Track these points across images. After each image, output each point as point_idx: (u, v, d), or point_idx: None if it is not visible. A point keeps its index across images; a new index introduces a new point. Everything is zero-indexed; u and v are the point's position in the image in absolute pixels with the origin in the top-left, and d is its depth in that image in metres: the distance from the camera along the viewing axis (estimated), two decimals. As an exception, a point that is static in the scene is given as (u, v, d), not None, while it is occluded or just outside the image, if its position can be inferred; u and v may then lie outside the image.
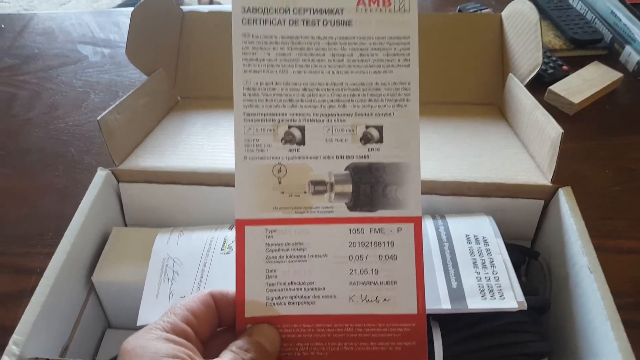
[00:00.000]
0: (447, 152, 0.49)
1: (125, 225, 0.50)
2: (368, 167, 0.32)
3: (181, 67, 0.64)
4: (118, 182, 0.48)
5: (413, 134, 0.32)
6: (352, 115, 0.32)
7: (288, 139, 0.32)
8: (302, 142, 0.32)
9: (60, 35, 0.95)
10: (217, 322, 0.31)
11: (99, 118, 0.47)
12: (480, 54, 0.60)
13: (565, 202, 0.42)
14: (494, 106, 0.58)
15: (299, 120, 0.32)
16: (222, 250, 0.42)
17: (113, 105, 0.49)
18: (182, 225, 0.46)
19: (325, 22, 0.32)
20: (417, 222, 0.32)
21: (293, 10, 0.32)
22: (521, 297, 0.36)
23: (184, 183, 0.47)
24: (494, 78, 0.59)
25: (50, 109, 0.77)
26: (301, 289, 0.32)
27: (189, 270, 0.40)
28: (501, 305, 0.35)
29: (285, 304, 0.32)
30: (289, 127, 0.32)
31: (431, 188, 0.45)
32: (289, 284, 0.32)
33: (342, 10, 0.32)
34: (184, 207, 0.48)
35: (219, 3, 1.71)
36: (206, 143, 0.51)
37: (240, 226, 0.32)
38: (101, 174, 0.47)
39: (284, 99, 0.32)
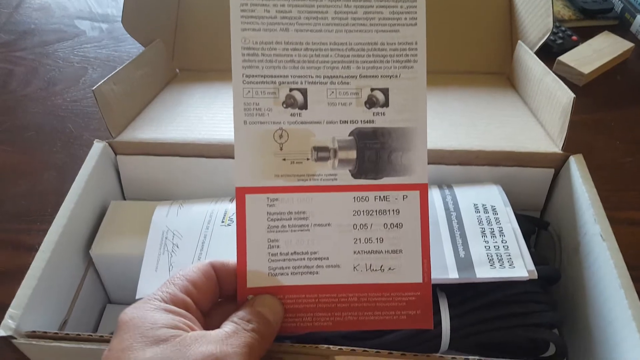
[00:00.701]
0: (454, 120, 0.47)
1: (124, 198, 0.49)
2: (373, 132, 0.30)
3: (179, 38, 0.62)
4: (115, 154, 0.47)
5: (420, 97, 0.31)
6: (356, 78, 0.31)
7: (289, 102, 0.30)
8: (304, 106, 0.31)
9: (57, 10, 0.93)
10: (218, 293, 0.30)
11: (94, 88, 0.45)
12: (488, 22, 0.58)
13: (577, 170, 0.40)
14: (502, 75, 0.57)
15: (301, 83, 0.31)
16: (222, 222, 0.40)
17: (109, 76, 0.47)
18: (181, 198, 0.45)
19: None
20: (423, 190, 0.31)
21: None
22: (531, 266, 0.35)
23: (183, 155, 0.46)
24: (502, 46, 0.57)
25: (48, 85, 0.76)
26: (304, 258, 0.31)
27: (188, 242, 0.39)
28: (511, 274, 0.34)
29: (288, 274, 0.31)
30: (291, 90, 0.31)
31: (438, 157, 0.43)
32: (291, 253, 0.31)
33: None
34: (183, 180, 0.47)
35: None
36: (205, 114, 0.50)
37: (240, 194, 0.30)
38: (98, 146, 0.46)
39: (285, 60, 0.30)
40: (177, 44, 0.62)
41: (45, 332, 0.33)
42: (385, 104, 0.31)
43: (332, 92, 0.31)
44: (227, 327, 0.27)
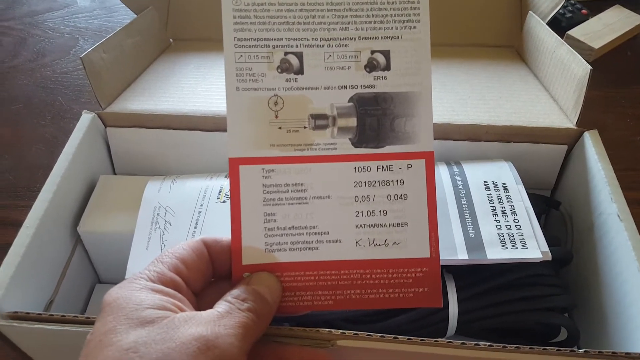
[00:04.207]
0: (462, 94, 0.45)
1: (114, 173, 0.47)
2: (374, 97, 0.28)
3: (173, 6, 0.59)
4: (105, 126, 0.45)
5: (424, 59, 0.29)
6: (355, 40, 0.29)
7: (284, 67, 0.28)
8: (300, 70, 0.28)
9: (47, -21, 0.89)
10: (211, 271, 0.28)
11: (82, 56, 0.43)
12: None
13: (592, 147, 0.38)
14: (511, 48, 0.54)
15: (297, 46, 0.28)
16: (217, 199, 0.38)
17: (98, 43, 0.45)
18: (174, 173, 0.43)
19: None
20: (429, 158, 0.29)
21: None
22: (545, 247, 0.33)
23: (176, 128, 0.44)
24: (512, 19, 0.54)
25: (37, 56, 0.73)
26: (303, 233, 0.29)
27: (182, 219, 0.37)
28: (524, 255, 0.32)
29: (285, 250, 0.29)
30: (286, 53, 0.28)
31: (445, 132, 0.41)
32: (289, 228, 0.29)
33: None
34: (176, 154, 0.45)
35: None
36: (200, 85, 0.47)
37: (234, 166, 0.28)
38: (86, 118, 0.43)
39: (279, 22, 0.28)
40: (170, 12, 0.60)
41: (28, 313, 0.30)
42: (387, 67, 0.29)
43: (330, 55, 0.29)
44: (221, 307, 0.25)
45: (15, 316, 0.31)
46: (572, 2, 0.69)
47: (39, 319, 0.30)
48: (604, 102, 0.60)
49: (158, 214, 0.37)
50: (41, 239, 0.36)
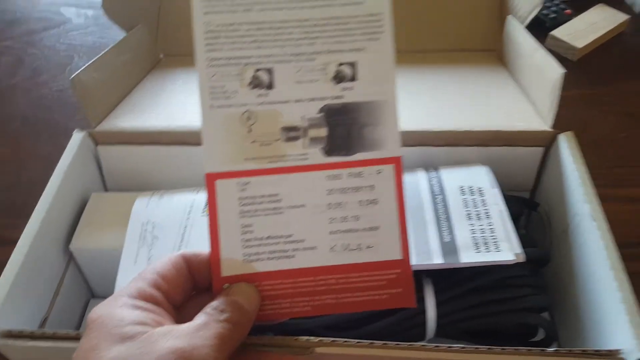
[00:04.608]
0: (441, 100, 0.46)
1: (106, 190, 0.48)
2: (343, 107, 0.29)
3: (163, 22, 0.61)
4: (96, 144, 0.46)
5: (388, 69, 0.30)
6: (322, 53, 0.30)
7: (256, 83, 0.30)
8: (270, 85, 0.30)
9: (43, -2, 0.91)
10: (191, 285, 0.29)
11: (72, 77, 0.44)
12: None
13: (566, 148, 0.39)
14: (492, 52, 0.55)
15: (267, 62, 0.30)
16: (203, 212, 0.40)
17: (88, 63, 0.46)
18: (166, 188, 0.44)
19: None
20: (397, 163, 0.30)
21: None
22: (518, 249, 0.34)
23: (165, 143, 0.45)
24: (492, 22, 0.55)
25: (34, 75, 0.75)
26: (279, 242, 0.30)
27: (168, 234, 0.38)
28: (497, 257, 0.33)
29: (263, 259, 0.30)
30: (256, 70, 0.30)
31: (424, 139, 0.42)
32: (266, 238, 0.30)
33: None
34: (166, 169, 0.46)
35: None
36: (188, 101, 0.49)
37: (210, 181, 0.30)
38: (77, 137, 0.45)
39: (248, 40, 0.30)
40: (160, 28, 0.61)
41: (21, 332, 0.32)
42: (354, 78, 0.30)
43: (299, 69, 0.30)
44: (199, 319, 0.26)
45: (9, 334, 0.32)
46: (557, 2, 0.70)
47: (32, 336, 0.32)
48: (588, 100, 0.61)
49: (146, 230, 0.38)
50: (35, 257, 0.37)
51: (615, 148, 0.56)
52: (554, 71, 0.39)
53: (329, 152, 0.30)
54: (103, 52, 0.48)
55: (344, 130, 0.30)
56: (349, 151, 0.30)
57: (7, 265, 0.36)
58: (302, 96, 0.30)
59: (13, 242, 0.52)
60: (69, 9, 0.87)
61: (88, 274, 0.43)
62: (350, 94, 0.30)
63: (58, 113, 0.68)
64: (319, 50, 0.30)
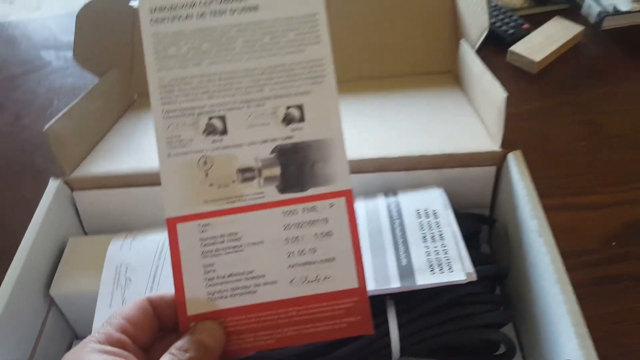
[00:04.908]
0: (399, 126, 0.48)
1: (85, 232, 0.50)
2: (293, 147, 0.31)
3: (137, 64, 0.63)
4: (72, 190, 0.48)
5: (333, 108, 0.32)
6: (271, 98, 0.32)
7: (210, 130, 0.32)
8: (224, 131, 0.32)
9: (23, 42, 0.94)
10: (158, 327, 0.31)
11: (45, 128, 0.46)
12: (434, 22, 0.58)
13: (515, 167, 0.41)
14: (450, 74, 0.57)
15: (219, 111, 0.32)
16: (175, 250, 0.41)
17: (61, 113, 0.48)
18: (142, 228, 0.46)
19: (232, 11, 0.31)
20: (348, 196, 0.32)
21: (199, 3, 0.32)
22: (470, 269, 0.36)
23: (137, 185, 0.47)
24: (449, 45, 0.57)
25: (16, 119, 0.77)
26: (241, 279, 0.32)
27: (141, 275, 0.40)
28: (450, 278, 0.35)
29: (227, 296, 0.31)
30: (210, 118, 0.32)
31: (383, 165, 0.44)
32: (228, 276, 0.32)
33: None
34: (140, 210, 0.48)
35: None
36: (158, 142, 0.50)
37: (171, 225, 0.31)
38: (53, 185, 0.47)
39: (201, 92, 0.32)
40: (134, 68, 0.63)
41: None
42: (302, 119, 0.32)
43: (250, 115, 0.32)
44: (164, 358, 0.28)
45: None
46: (515, 17, 0.73)
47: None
48: (550, 111, 0.63)
49: (120, 272, 0.40)
50: (16, 303, 0.39)
51: (576, 156, 0.58)
52: (499, 94, 0.42)
53: (283, 189, 0.32)
54: (75, 101, 0.50)
55: (296, 168, 0.32)
56: (302, 187, 0.32)
57: (-11, 315, 0.37)
58: (255, 139, 0.32)
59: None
60: (48, 52, 0.89)
61: (70, 317, 0.45)
62: (300, 134, 0.32)
63: (40, 156, 0.70)
64: (267, 96, 0.32)
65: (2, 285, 0.39)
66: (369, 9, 0.59)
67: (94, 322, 0.38)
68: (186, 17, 0.31)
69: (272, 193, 0.32)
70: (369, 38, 0.58)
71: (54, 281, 0.43)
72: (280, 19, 0.31)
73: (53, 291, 0.42)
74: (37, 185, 0.65)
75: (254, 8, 0.31)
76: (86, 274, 0.43)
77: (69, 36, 0.92)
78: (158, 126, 0.32)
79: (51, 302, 0.44)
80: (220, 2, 0.31)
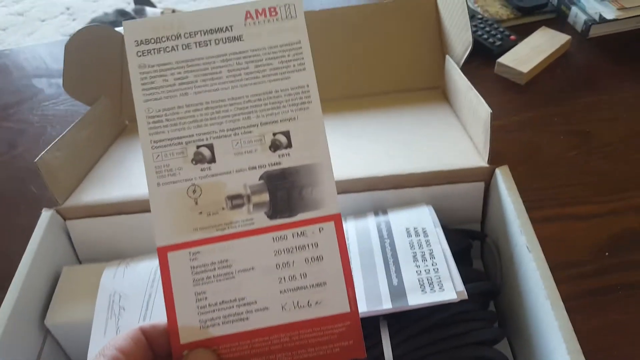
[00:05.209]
0: (388, 144, 0.48)
1: (79, 260, 0.50)
2: (281, 173, 0.32)
3: (126, 90, 0.64)
4: (64, 219, 0.48)
5: (319, 134, 0.32)
6: (257, 126, 0.32)
7: (198, 158, 0.32)
8: (212, 159, 0.32)
9: (15, 71, 0.94)
10: (151, 356, 0.31)
11: (36, 159, 0.46)
12: (421, 39, 0.59)
13: (503, 182, 0.41)
14: (438, 89, 0.58)
15: (207, 139, 0.32)
16: (169, 276, 0.41)
17: (52, 143, 0.49)
18: (135, 255, 0.46)
19: (217, 41, 0.32)
20: (337, 219, 0.32)
21: (184, 35, 0.32)
22: (461, 287, 0.36)
23: (129, 212, 0.47)
24: (436, 61, 0.58)
25: (10, 149, 0.77)
26: (233, 306, 0.32)
27: (134, 303, 0.40)
28: (441, 297, 0.35)
29: (219, 324, 0.32)
30: (198, 147, 0.32)
31: (372, 184, 0.44)
32: (220, 303, 0.32)
33: (231, 27, 0.32)
34: (132, 237, 0.48)
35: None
36: (149, 168, 0.51)
37: (162, 254, 0.32)
38: (46, 215, 0.47)
39: (188, 121, 0.32)
40: (124, 95, 0.64)
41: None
42: (289, 145, 0.32)
43: (237, 142, 0.32)
44: None
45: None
46: (501, 29, 0.73)
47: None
48: (539, 122, 0.64)
49: (113, 301, 0.40)
50: (11, 336, 0.39)
51: (566, 167, 0.58)
52: (484, 110, 0.42)
53: (272, 215, 0.32)
54: (66, 131, 0.50)
55: (285, 193, 0.32)
56: (291, 213, 0.32)
57: (-15, 348, 0.37)
58: (243, 166, 0.32)
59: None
60: (40, 80, 0.90)
61: (66, 346, 0.45)
62: (287, 159, 0.32)
63: (34, 184, 0.70)
64: (254, 123, 0.32)
65: (-3, 318, 0.39)
66: (353, 25, 0.59)
67: (89, 351, 0.38)
68: (172, 48, 0.32)
69: (261, 219, 0.32)
70: (354, 55, 0.59)
71: (49, 311, 0.43)
72: (264, 48, 0.32)
73: (48, 321, 0.42)
74: (32, 212, 0.66)
75: (239, 38, 0.32)
76: (81, 303, 0.43)
77: (59, 63, 0.94)
78: (147, 156, 0.32)
79: (47, 332, 0.44)
80: (205, 33, 0.32)
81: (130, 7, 1.78)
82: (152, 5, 1.78)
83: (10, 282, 0.56)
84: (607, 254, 0.49)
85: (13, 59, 0.97)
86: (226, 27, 0.32)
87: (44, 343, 0.43)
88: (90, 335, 0.40)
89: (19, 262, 0.58)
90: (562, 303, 0.34)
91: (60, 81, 0.89)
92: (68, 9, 2.42)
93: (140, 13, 1.62)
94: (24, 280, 0.42)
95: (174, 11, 1.68)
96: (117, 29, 0.68)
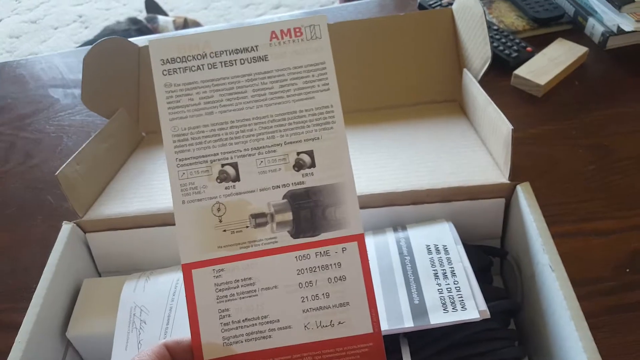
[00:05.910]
0: (406, 159, 0.48)
1: (99, 274, 0.50)
2: (305, 192, 0.32)
3: (143, 102, 0.64)
4: (84, 232, 0.48)
5: (343, 153, 0.32)
6: (282, 145, 0.32)
7: (223, 177, 0.32)
8: (237, 178, 0.32)
9: (31, 81, 0.95)
10: (175, 373, 0.31)
11: (57, 173, 0.47)
12: (438, 52, 0.59)
13: (524, 199, 0.41)
14: (455, 103, 0.58)
15: (231, 158, 0.32)
16: (188, 291, 0.41)
17: (72, 157, 0.49)
18: (155, 267, 0.46)
19: (242, 61, 0.32)
20: (360, 240, 0.32)
21: (210, 55, 0.32)
22: (483, 306, 0.35)
23: (148, 226, 0.48)
24: (453, 74, 0.58)
25: (26, 159, 0.78)
26: (256, 324, 0.32)
27: (155, 317, 0.40)
28: (463, 317, 0.35)
29: (242, 341, 0.32)
30: (222, 165, 0.32)
31: (390, 199, 0.44)
32: (243, 321, 0.32)
33: (257, 47, 0.32)
34: (152, 250, 0.48)
35: (199, 24, 1.71)
36: (166, 180, 0.51)
37: (187, 271, 0.32)
38: (66, 228, 0.47)
39: (213, 140, 0.32)
40: (141, 108, 0.64)
41: None
42: (312, 164, 0.32)
43: (262, 161, 0.32)
44: None
45: None
46: (517, 41, 0.73)
47: None
48: (556, 135, 0.63)
49: (134, 314, 0.40)
50: (34, 347, 0.39)
51: (584, 181, 0.58)
52: (504, 126, 0.42)
53: (296, 234, 0.32)
54: (85, 144, 0.51)
55: (308, 212, 0.32)
56: (314, 232, 0.32)
57: (9, 358, 0.38)
58: (267, 185, 0.32)
59: (15, 326, 0.54)
60: (56, 90, 0.91)
61: (87, 358, 0.45)
62: (311, 179, 0.32)
63: (51, 194, 0.71)
64: (278, 143, 0.33)
65: (20, 329, 0.40)
66: (370, 38, 0.59)
67: (111, 364, 0.38)
68: (197, 68, 0.32)
69: (285, 238, 0.32)
70: (370, 68, 0.59)
71: (70, 323, 0.43)
72: (289, 68, 0.32)
73: (70, 333, 0.43)
74: (49, 223, 0.67)
75: (264, 58, 0.32)
76: (102, 316, 0.43)
77: (75, 74, 0.95)
78: (172, 174, 0.32)
79: (68, 344, 0.44)
80: (230, 52, 0.32)
81: (142, 15, 1.79)
82: (164, 14, 1.80)
83: (29, 294, 0.57)
84: (627, 270, 0.49)
85: (29, 69, 0.98)
86: (252, 47, 0.32)
87: (65, 354, 0.44)
88: (111, 347, 0.40)
89: (37, 272, 0.59)
90: (586, 324, 0.34)
91: (75, 91, 0.90)
92: (80, 17, 2.45)
93: (152, 21, 1.63)
94: (46, 293, 0.42)
95: (185, 20, 1.69)
96: (132, 39, 0.68)
